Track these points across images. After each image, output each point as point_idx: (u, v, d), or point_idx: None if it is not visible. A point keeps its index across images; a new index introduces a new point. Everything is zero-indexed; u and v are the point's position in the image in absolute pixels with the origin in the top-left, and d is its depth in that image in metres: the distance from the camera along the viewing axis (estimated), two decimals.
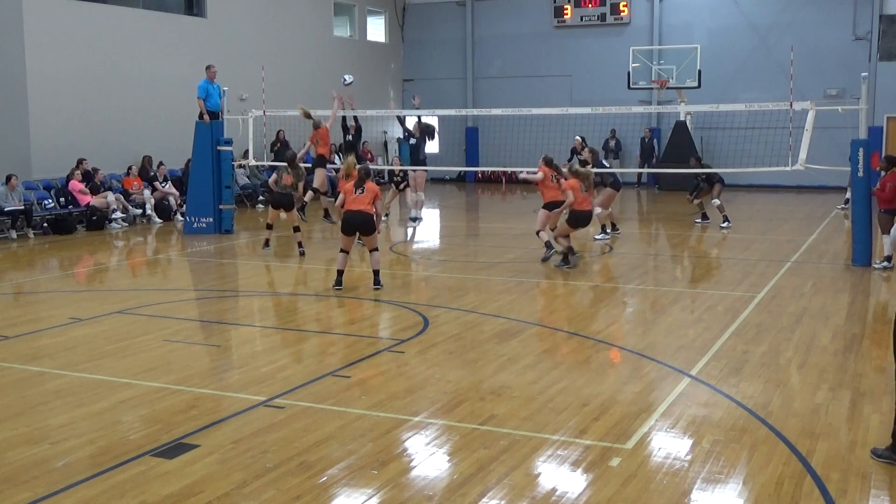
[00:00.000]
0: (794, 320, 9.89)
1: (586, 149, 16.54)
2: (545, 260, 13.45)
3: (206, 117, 17.29)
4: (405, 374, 7.85)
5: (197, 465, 5.78)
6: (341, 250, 11.49)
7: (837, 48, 25.46)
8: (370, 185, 11.36)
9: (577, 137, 19.15)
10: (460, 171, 29.45)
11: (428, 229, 18.92)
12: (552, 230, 13.70)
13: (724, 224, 17.49)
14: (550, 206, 13.57)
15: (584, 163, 14.88)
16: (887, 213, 12.82)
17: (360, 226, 11.34)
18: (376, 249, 11.61)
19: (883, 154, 22.62)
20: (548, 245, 13.51)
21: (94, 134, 19.72)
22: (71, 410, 6.89)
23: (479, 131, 29.96)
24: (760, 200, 23.33)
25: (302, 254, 14.45)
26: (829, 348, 8.67)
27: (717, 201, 17.56)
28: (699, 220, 18.13)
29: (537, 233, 13.66)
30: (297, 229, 14.81)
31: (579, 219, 13.07)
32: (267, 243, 14.72)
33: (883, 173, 13.19)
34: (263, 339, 9.45)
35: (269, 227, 14.89)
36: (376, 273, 11.57)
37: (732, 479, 5.56)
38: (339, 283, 11.45)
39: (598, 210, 15.66)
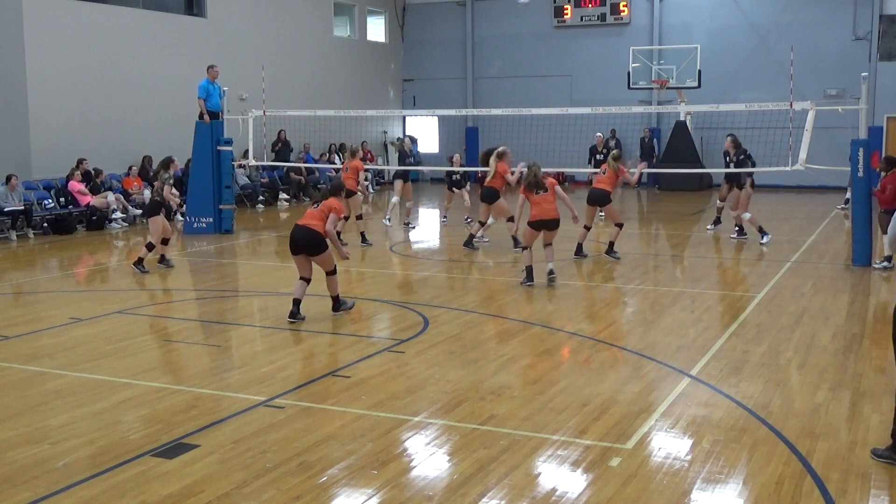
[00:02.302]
0: (794, 320, 9.89)
1: (729, 139, 15.94)
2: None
3: (207, 117, 17.29)
4: (405, 374, 7.85)
5: (197, 465, 5.78)
6: (300, 277, 9.98)
7: (837, 48, 25.46)
8: (329, 202, 9.91)
9: (598, 134, 19.07)
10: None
11: (428, 229, 18.93)
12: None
13: (711, 228, 17.13)
14: (535, 224, 11.88)
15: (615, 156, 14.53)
16: (888, 214, 12.81)
17: (303, 243, 9.82)
18: (331, 273, 9.96)
19: (883, 154, 22.63)
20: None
21: (94, 134, 19.72)
22: (71, 410, 6.90)
23: (479, 131, 29.94)
24: (760, 200, 23.25)
25: (165, 265, 13.28)
26: (829, 348, 8.67)
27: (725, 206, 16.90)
28: (711, 228, 17.11)
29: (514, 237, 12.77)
30: (163, 241, 13.26)
31: (596, 197, 13.60)
32: (162, 259, 13.38)
33: (883, 174, 13.19)
34: (263, 339, 9.44)
35: (163, 241, 13.32)
36: (334, 299, 10.07)
37: (732, 479, 5.56)
38: (293, 314, 9.82)
39: (746, 214, 15.39)
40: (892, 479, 5.54)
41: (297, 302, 9.88)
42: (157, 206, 13.19)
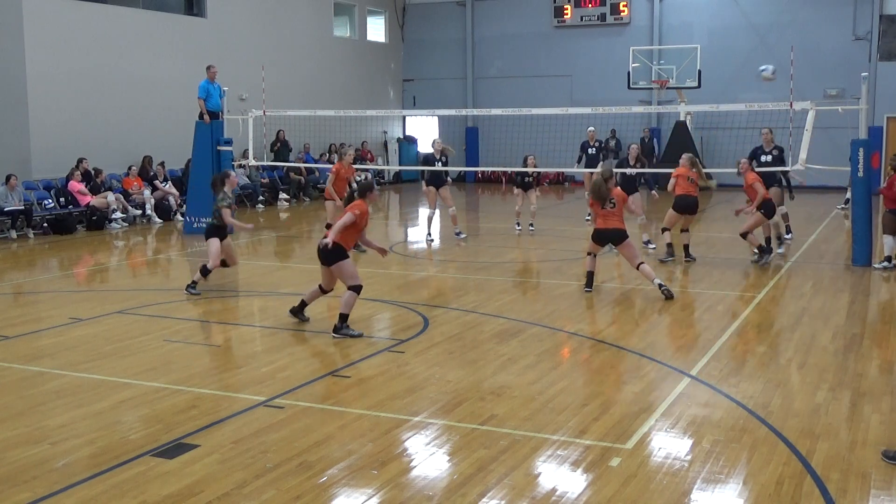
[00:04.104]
0: (794, 320, 9.89)
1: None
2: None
3: (207, 117, 17.30)
4: (405, 374, 7.85)
5: (197, 465, 5.78)
6: (319, 285, 9.67)
7: (837, 48, 25.48)
8: (351, 206, 9.23)
9: (590, 129, 19.01)
10: (460, 171, 29.45)
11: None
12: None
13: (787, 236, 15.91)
14: (596, 235, 11.45)
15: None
16: (893, 214, 12.79)
17: (321, 256, 9.22)
18: (351, 288, 9.14)
19: (883, 154, 22.61)
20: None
21: (94, 134, 19.73)
22: (71, 410, 6.89)
23: (479, 131, 29.97)
24: None
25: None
26: (829, 348, 8.67)
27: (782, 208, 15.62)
28: (788, 236, 15.87)
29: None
30: (222, 263, 11.72)
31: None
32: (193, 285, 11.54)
33: (893, 172, 13.13)
34: (263, 339, 9.44)
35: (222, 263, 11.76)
36: (340, 316, 9.18)
37: (732, 479, 5.56)
38: (293, 311, 9.77)
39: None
40: (892, 479, 5.54)
41: (302, 302, 9.74)
42: (215, 230, 11.55)
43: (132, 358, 8.43)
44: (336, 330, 9.14)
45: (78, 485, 5.48)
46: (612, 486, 5.44)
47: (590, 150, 18.53)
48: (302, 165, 23.57)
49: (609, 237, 11.27)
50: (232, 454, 5.95)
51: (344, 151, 15.02)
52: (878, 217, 13.48)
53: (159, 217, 19.37)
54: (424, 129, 31.35)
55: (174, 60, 21.59)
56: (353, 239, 9.35)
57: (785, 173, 15.32)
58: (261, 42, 24.35)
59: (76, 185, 18.15)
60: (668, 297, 10.83)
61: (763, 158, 14.82)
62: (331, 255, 9.06)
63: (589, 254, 11.50)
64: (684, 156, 13.97)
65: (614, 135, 27.37)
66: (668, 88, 25.77)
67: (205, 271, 11.50)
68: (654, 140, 27.38)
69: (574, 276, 12.73)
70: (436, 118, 30.48)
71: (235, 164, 19.12)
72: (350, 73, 28.49)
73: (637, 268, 11.20)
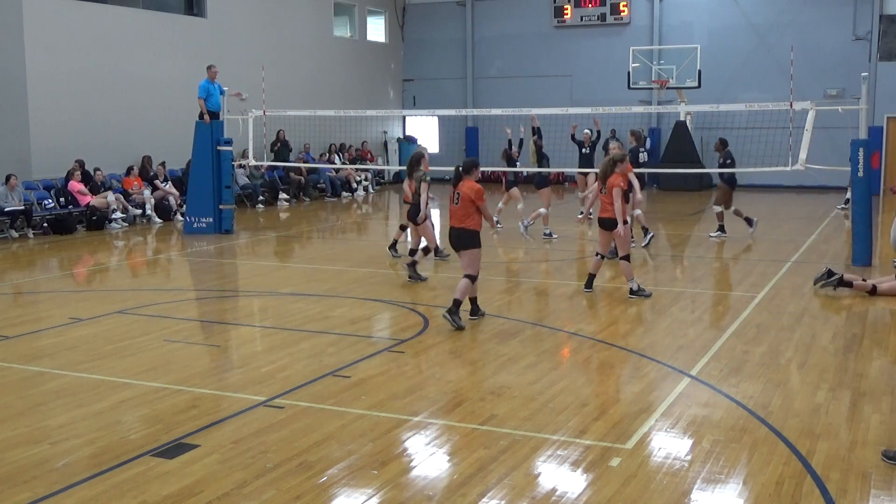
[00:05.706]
0: (794, 320, 9.89)
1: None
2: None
3: (207, 117, 17.30)
4: (405, 374, 7.85)
5: (197, 465, 5.78)
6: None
7: (837, 48, 25.48)
8: (466, 194, 9.37)
9: (586, 131, 19.00)
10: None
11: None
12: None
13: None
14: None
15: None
16: None
17: (458, 244, 9.51)
18: (468, 276, 9.46)
19: (883, 154, 22.63)
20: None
21: (94, 134, 19.72)
22: (71, 410, 6.90)
23: (479, 131, 29.95)
24: (760, 200, 23.32)
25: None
26: (829, 348, 8.68)
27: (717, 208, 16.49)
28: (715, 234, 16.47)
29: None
30: (425, 250, 12.43)
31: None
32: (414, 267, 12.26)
33: None
34: (263, 339, 9.45)
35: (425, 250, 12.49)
36: (471, 301, 9.70)
37: (732, 479, 5.56)
38: (473, 311, 9.80)
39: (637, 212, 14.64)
40: (892, 479, 5.54)
41: (472, 300, 9.74)
42: (418, 210, 12.07)
43: (132, 358, 8.43)
44: (450, 312, 9.29)
45: (78, 485, 5.48)
46: (612, 486, 5.44)
47: (584, 150, 18.52)
48: (302, 165, 23.58)
49: (604, 225, 11.19)
50: (232, 454, 5.95)
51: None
52: (879, 217, 13.47)
53: (159, 217, 19.36)
54: (424, 129, 31.34)
55: (174, 60, 21.58)
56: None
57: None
58: (261, 42, 24.34)
59: (76, 185, 18.15)
60: (643, 296, 10.99)
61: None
62: (468, 241, 9.38)
63: (597, 254, 11.44)
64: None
65: (614, 135, 27.29)
66: (668, 88, 25.79)
67: (427, 251, 12.38)
68: (647, 139, 27.33)
69: (574, 276, 12.73)
70: (436, 118, 30.48)
71: (235, 164, 19.13)
72: (350, 73, 28.49)
73: (619, 259, 11.26)
